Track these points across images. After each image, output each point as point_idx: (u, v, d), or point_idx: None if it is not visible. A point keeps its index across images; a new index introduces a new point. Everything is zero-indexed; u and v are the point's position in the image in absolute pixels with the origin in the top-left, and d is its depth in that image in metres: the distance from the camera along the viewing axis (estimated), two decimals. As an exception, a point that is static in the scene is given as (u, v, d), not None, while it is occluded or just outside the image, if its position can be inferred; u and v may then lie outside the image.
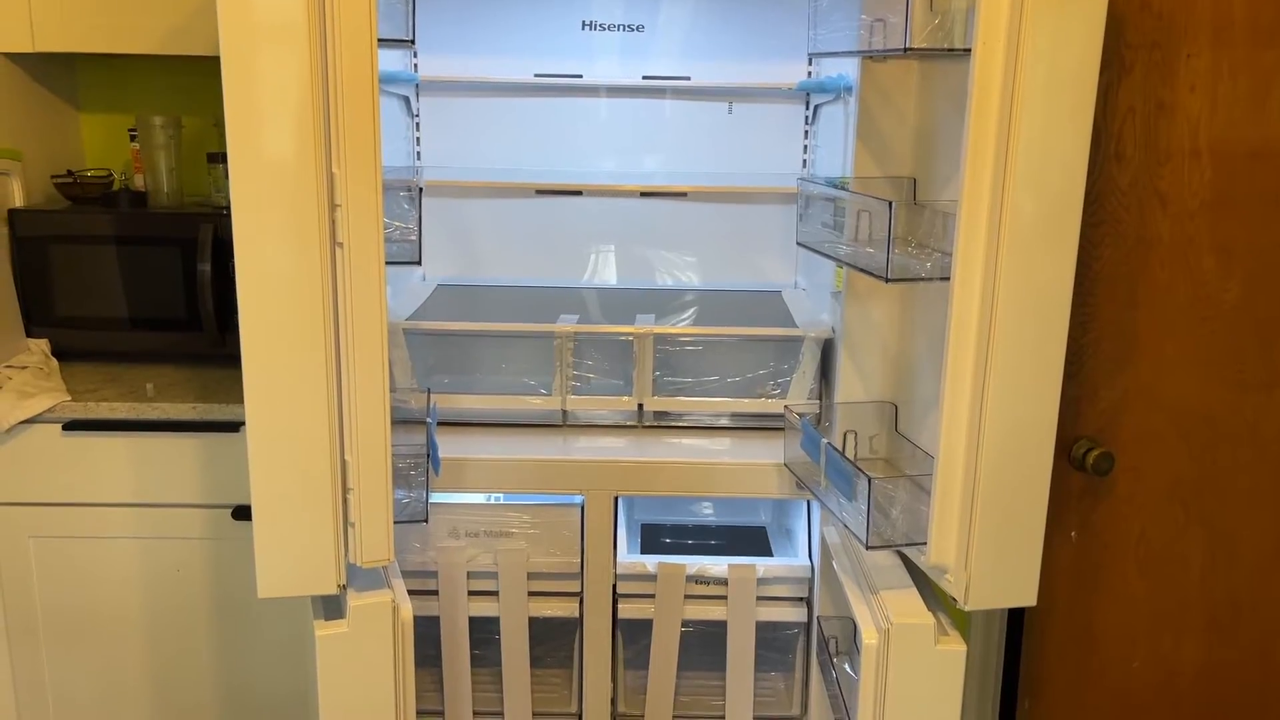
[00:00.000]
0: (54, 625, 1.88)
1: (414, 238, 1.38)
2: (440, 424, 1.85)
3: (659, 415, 1.86)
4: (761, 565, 1.80)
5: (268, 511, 1.29)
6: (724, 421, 1.87)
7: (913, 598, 1.35)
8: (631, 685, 1.89)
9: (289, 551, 1.30)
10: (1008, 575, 1.34)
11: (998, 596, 1.34)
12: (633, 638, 1.86)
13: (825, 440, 1.45)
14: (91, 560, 1.85)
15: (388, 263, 1.29)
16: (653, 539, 2.01)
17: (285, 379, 1.25)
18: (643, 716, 1.86)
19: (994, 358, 1.28)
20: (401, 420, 1.79)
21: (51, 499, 1.83)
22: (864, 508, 1.29)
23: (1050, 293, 1.28)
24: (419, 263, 1.35)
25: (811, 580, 1.80)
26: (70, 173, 2.06)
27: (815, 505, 1.80)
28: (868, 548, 1.31)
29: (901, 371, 1.61)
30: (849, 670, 1.63)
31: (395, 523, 1.35)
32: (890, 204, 1.27)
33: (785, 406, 1.66)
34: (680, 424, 1.87)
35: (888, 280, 1.24)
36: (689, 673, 1.88)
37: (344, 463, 1.31)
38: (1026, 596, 1.35)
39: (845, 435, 1.60)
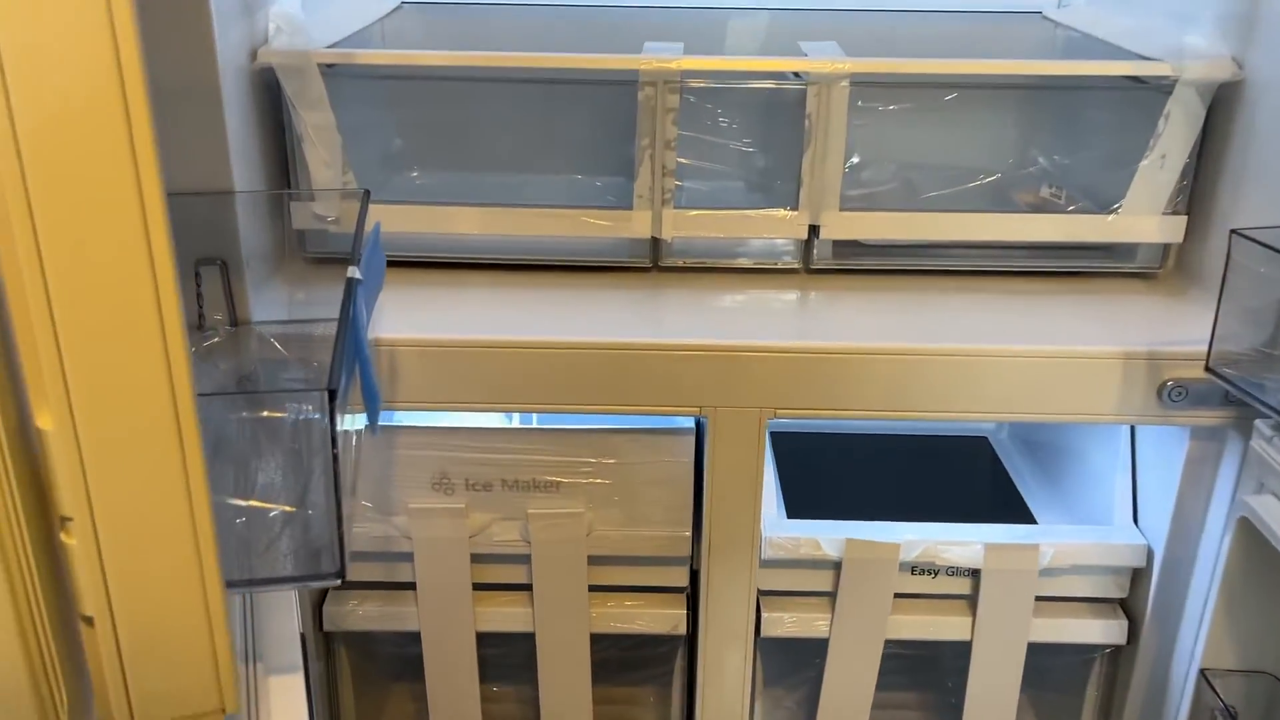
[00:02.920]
0: None
1: None
2: (411, 264, 0.93)
3: (847, 249, 0.93)
4: (1050, 544, 0.91)
5: None
6: (975, 262, 0.94)
7: None
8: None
9: None
10: None
11: None
12: (782, 663, 1.00)
13: None
14: None
15: None
16: (797, 472, 1.11)
17: None
18: (797, 792, 1.02)
19: None
20: (321, 256, 0.87)
21: None
22: None
23: None
24: None
25: (1149, 570, 0.92)
26: None
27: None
28: None
29: None
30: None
31: (258, 586, 0.46)
32: None
33: (1233, 233, 0.73)
34: (889, 265, 0.94)
35: None
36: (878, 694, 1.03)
37: (37, 431, 0.39)
38: None
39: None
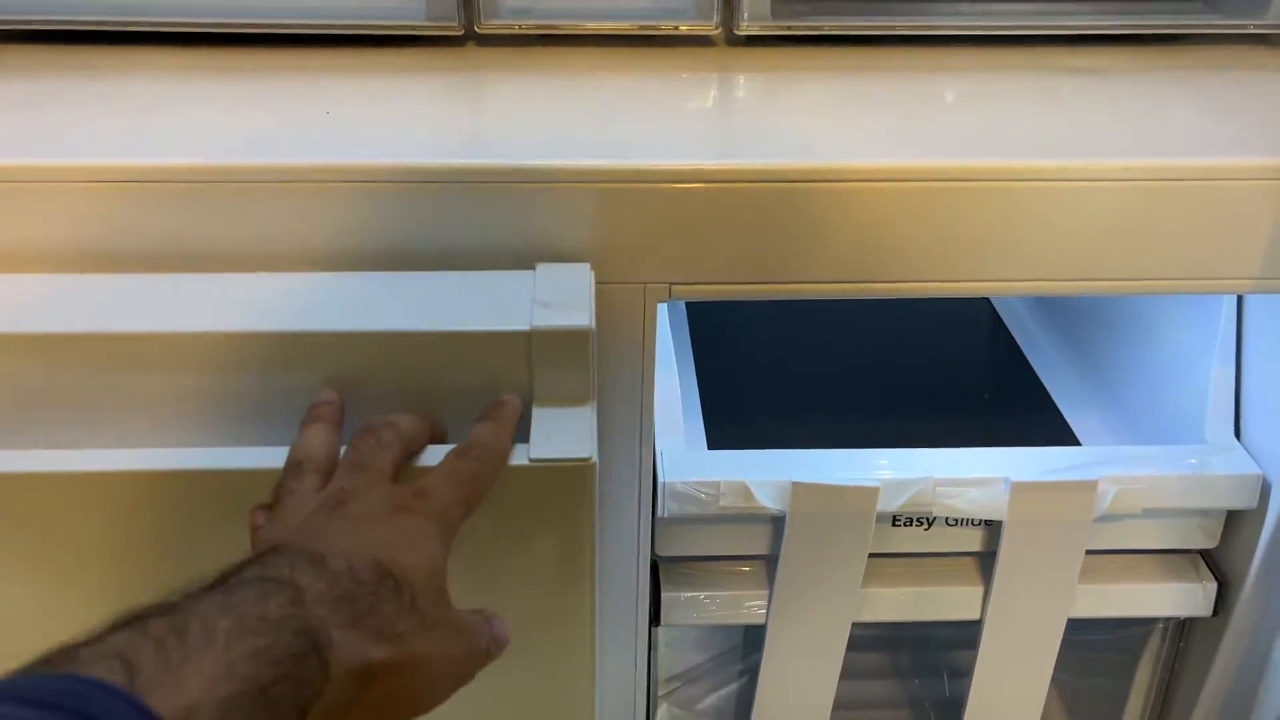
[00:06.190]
0: None
1: None
2: (44, 37, 0.54)
3: (794, 3, 0.56)
4: (1111, 479, 0.57)
5: None
6: (1000, 20, 0.57)
7: None
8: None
9: None
10: None
11: None
12: (693, 658, 0.68)
13: None
14: None
15: None
16: (720, 358, 0.75)
17: None
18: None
19: None
20: None
21: None
22: None
23: None
24: None
25: (1261, 511, 0.59)
26: None
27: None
28: None
29: None
30: None
31: None
32: None
33: None
34: (860, 28, 0.57)
35: None
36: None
37: None
38: None
39: None
